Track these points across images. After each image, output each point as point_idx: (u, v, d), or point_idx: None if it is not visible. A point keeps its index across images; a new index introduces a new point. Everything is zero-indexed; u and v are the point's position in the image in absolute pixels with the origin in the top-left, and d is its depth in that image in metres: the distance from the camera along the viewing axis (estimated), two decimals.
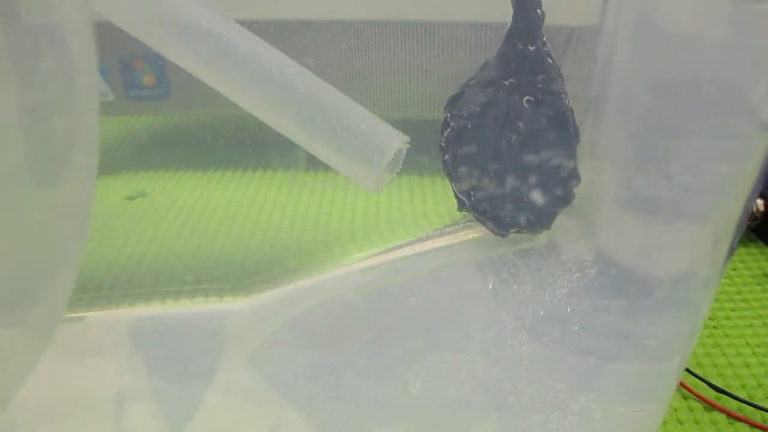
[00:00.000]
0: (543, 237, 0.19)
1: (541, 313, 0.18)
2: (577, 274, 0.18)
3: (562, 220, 0.19)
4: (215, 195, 0.26)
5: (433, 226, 0.20)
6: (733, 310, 0.24)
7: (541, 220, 0.19)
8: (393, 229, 0.21)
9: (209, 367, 0.19)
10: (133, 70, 0.25)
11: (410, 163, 0.18)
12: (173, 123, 0.28)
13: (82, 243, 0.16)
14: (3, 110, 0.13)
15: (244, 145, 0.23)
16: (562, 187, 0.18)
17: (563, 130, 0.18)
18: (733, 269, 0.26)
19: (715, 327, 0.24)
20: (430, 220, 0.21)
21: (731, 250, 0.17)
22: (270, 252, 0.23)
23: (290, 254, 0.22)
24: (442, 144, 0.20)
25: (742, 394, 0.21)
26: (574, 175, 0.18)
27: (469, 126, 0.19)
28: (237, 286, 0.22)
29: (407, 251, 0.20)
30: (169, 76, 0.25)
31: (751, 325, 0.24)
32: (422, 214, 0.21)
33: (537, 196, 0.18)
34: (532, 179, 0.18)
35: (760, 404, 0.21)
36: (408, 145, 0.17)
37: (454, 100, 0.19)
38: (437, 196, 0.21)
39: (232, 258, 0.23)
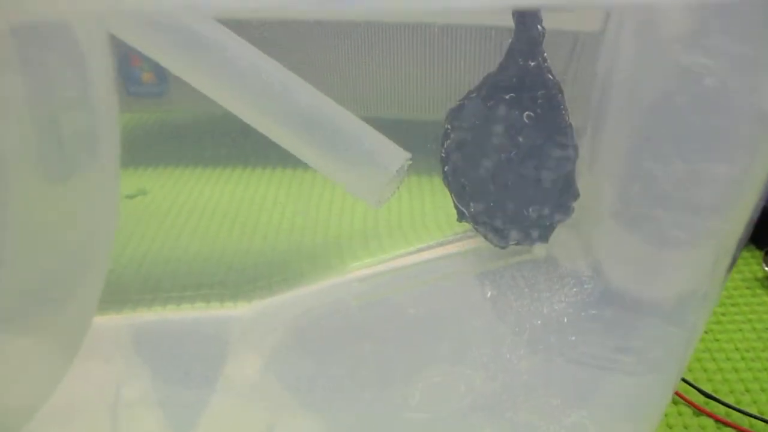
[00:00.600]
0: (541, 249, 0.19)
1: (539, 326, 0.18)
2: (575, 289, 0.18)
3: (560, 233, 0.19)
4: (215, 193, 0.26)
5: (432, 235, 0.21)
6: (723, 314, 0.25)
7: (539, 233, 0.19)
8: (393, 237, 0.21)
9: (210, 373, 0.19)
10: (132, 67, 0.25)
11: (411, 170, 0.18)
12: (173, 120, 0.28)
13: (108, 244, 0.16)
14: (12, 103, 0.13)
15: (243, 142, 0.23)
16: (560, 202, 0.19)
17: (562, 145, 0.18)
18: None
19: (705, 332, 0.24)
20: (430, 230, 0.21)
21: (733, 263, 0.17)
22: (270, 256, 0.23)
23: (290, 260, 0.23)
24: (443, 155, 0.20)
25: (730, 399, 0.22)
26: (572, 191, 0.19)
27: (469, 138, 0.19)
28: (237, 291, 0.22)
29: (407, 261, 0.20)
30: (169, 73, 0.25)
31: (740, 330, 0.24)
32: (421, 223, 0.21)
33: (535, 210, 0.19)
34: (531, 193, 0.19)
35: (747, 409, 0.21)
36: (410, 162, 0.17)
37: (455, 112, 0.19)
38: (437, 204, 0.22)
39: (232, 262, 0.23)
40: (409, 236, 0.21)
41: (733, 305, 0.25)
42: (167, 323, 0.22)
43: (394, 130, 0.20)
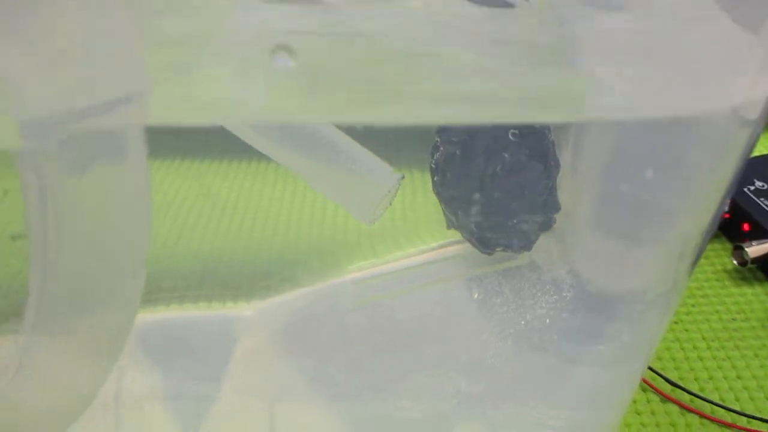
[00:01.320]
0: (525, 256, 0.21)
1: (522, 328, 0.20)
2: (555, 296, 0.20)
3: (543, 240, 0.20)
4: (212, 188, 0.27)
5: (424, 240, 0.22)
6: (693, 305, 0.27)
7: (522, 242, 0.20)
8: (386, 242, 0.22)
9: (213, 371, 0.21)
10: None
11: (407, 177, 0.19)
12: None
13: (146, 240, 0.16)
14: None
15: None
16: (542, 214, 0.20)
17: (545, 161, 0.20)
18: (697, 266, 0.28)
19: (676, 322, 0.26)
20: (422, 236, 0.22)
21: (697, 260, 0.18)
22: (268, 255, 0.24)
23: (288, 260, 0.24)
24: (432, 166, 0.21)
25: (694, 387, 0.24)
26: (553, 204, 0.20)
27: (457, 152, 0.20)
28: (237, 291, 0.23)
29: (400, 265, 0.22)
30: None
31: (708, 320, 0.26)
32: (414, 229, 0.22)
33: (519, 222, 0.20)
34: (515, 206, 0.20)
35: (710, 397, 0.23)
36: (403, 179, 0.19)
37: (445, 126, 0.20)
38: (430, 210, 0.23)
39: (231, 261, 0.24)
40: (402, 241, 0.22)
41: (703, 296, 0.27)
42: (172, 322, 0.23)
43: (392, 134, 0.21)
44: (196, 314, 0.23)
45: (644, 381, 0.24)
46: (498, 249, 0.21)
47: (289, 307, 0.22)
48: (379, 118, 0.09)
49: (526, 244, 0.20)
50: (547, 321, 0.20)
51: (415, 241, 0.22)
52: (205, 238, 0.25)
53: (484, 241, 0.21)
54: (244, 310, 0.23)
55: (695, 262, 0.18)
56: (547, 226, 0.20)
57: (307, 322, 0.21)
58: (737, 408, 0.23)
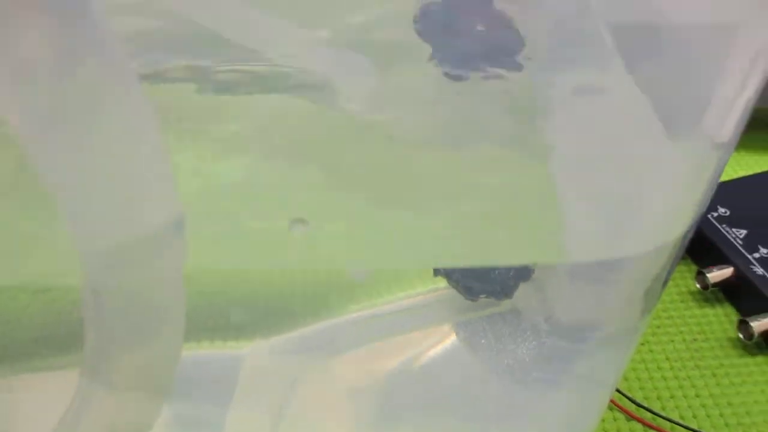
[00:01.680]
0: (507, 303, 0.22)
1: (505, 368, 0.22)
2: (534, 342, 0.21)
3: (523, 289, 0.22)
4: None
5: (413, 286, 0.23)
6: (658, 327, 0.29)
7: (504, 290, 0.22)
8: (377, 287, 0.24)
9: (217, 409, 0.22)
10: None
11: None
12: None
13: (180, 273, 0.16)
14: None
15: None
16: (521, 266, 0.22)
17: None
18: None
19: (642, 344, 0.28)
20: (412, 282, 0.24)
21: (666, 283, 0.20)
22: (267, 294, 0.26)
23: (288, 300, 0.25)
24: None
25: (657, 405, 0.26)
26: None
27: None
28: (239, 332, 0.24)
29: (389, 309, 0.23)
30: None
31: (672, 341, 0.28)
32: (403, 275, 0.24)
33: (500, 273, 0.22)
34: None
35: (670, 415, 0.26)
36: None
37: None
38: None
39: (233, 300, 0.26)
40: (393, 287, 0.23)
41: (668, 318, 0.29)
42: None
43: None
44: (198, 353, 0.25)
45: (612, 401, 0.26)
46: (482, 296, 0.22)
47: (288, 346, 0.24)
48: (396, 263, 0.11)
49: (508, 292, 0.22)
50: (527, 360, 0.22)
51: (405, 286, 0.23)
52: (204, 276, 0.26)
53: (468, 288, 0.22)
54: (245, 348, 0.24)
55: (662, 291, 0.21)
56: (526, 276, 0.22)
57: (305, 361, 0.23)
58: (694, 426, 0.25)
